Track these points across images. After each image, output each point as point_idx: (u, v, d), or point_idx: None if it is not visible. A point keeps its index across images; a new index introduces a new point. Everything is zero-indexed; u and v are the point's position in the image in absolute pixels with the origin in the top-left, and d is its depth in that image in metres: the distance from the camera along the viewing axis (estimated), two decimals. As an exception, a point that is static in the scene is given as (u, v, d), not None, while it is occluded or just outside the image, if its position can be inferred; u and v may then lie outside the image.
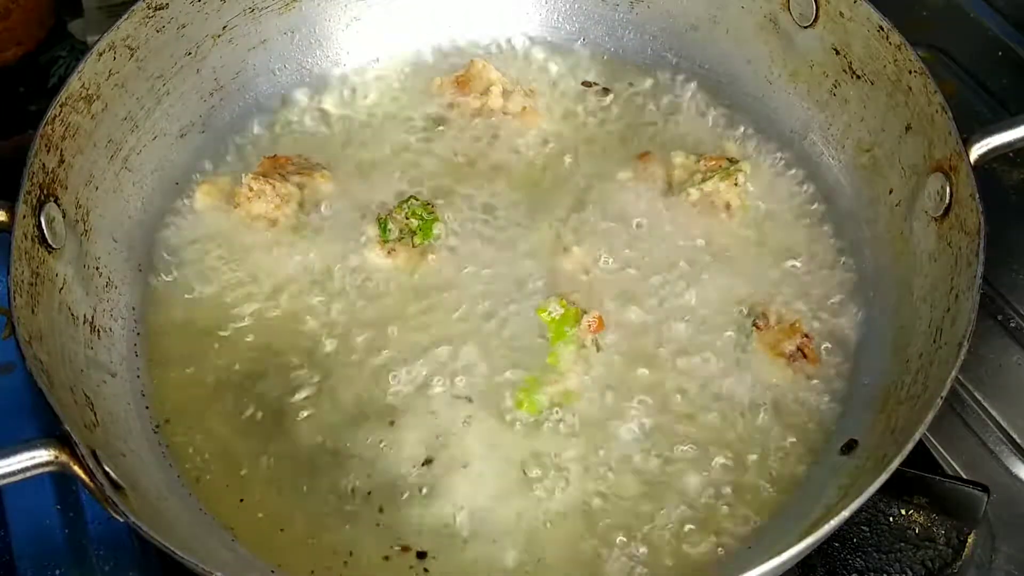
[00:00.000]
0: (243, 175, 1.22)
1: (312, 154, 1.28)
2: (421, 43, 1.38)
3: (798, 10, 1.22)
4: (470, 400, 1.07)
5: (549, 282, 1.16)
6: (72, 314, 1.05)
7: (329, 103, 1.34)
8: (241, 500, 1.03)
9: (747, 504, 1.01)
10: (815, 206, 1.22)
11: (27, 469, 0.87)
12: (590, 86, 1.33)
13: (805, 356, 1.08)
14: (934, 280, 1.04)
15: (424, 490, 1.02)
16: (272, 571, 0.98)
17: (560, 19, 1.39)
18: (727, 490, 1.02)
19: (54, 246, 1.04)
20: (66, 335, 1.03)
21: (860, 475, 0.95)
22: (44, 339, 0.98)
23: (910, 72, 1.10)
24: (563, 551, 0.99)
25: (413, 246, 1.18)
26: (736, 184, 1.19)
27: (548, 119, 1.31)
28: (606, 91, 1.33)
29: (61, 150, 1.08)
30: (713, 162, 1.21)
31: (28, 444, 0.87)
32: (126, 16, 1.16)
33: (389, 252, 1.18)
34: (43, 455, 0.87)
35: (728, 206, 1.19)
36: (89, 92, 1.12)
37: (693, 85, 1.33)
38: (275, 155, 1.26)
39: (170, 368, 1.12)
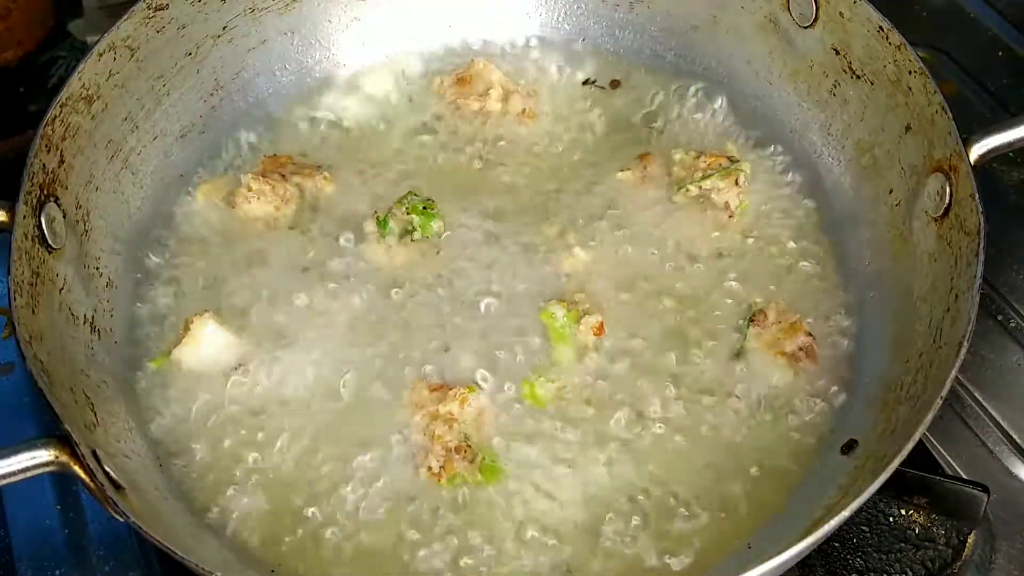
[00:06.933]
0: (243, 175, 1.22)
1: (312, 154, 1.28)
2: (422, 43, 1.38)
3: (798, 10, 1.22)
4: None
5: (549, 282, 1.15)
6: (72, 314, 1.05)
7: (329, 103, 1.34)
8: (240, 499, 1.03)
9: (747, 504, 1.01)
10: (814, 206, 1.22)
11: (27, 469, 0.87)
12: (594, 85, 1.33)
13: (807, 355, 1.08)
14: (934, 280, 1.04)
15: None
16: (272, 571, 0.98)
17: (560, 19, 1.39)
18: (726, 490, 1.01)
19: (54, 246, 1.04)
20: (66, 335, 1.03)
21: (860, 475, 0.95)
22: (44, 339, 0.98)
23: (910, 72, 1.10)
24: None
25: (412, 241, 1.18)
26: (737, 184, 1.19)
27: (548, 119, 1.31)
28: (611, 85, 1.33)
29: (61, 150, 1.08)
30: (713, 159, 1.21)
31: (28, 444, 0.87)
32: (126, 16, 1.16)
33: (388, 249, 1.18)
34: (43, 455, 0.87)
35: (727, 205, 1.19)
36: (89, 92, 1.12)
37: (693, 85, 1.33)
38: (275, 155, 1.26)
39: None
